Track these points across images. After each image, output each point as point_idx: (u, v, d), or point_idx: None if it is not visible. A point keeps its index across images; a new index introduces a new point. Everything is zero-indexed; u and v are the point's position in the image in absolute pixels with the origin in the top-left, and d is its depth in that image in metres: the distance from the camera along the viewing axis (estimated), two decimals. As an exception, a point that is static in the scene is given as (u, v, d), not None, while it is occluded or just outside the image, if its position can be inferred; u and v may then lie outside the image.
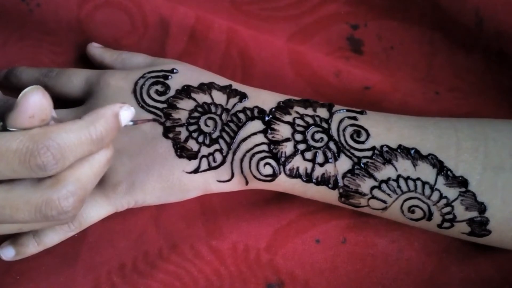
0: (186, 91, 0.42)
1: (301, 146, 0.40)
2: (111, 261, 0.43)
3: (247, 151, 0.40)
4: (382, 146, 0.40)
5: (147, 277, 0.42)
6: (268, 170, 0.40)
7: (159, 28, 0.49)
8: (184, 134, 0.41)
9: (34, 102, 0.30)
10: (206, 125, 0.41)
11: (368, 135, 0.40)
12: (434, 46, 0.48)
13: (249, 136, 0.41)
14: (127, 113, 0.34)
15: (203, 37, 0.49)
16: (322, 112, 0.41)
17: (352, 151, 0.40)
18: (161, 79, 0.43)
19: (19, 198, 0.31)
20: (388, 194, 0.39)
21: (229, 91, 0.42)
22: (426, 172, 0.39)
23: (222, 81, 0.44)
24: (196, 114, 0.41)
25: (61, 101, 0.45)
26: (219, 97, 0.42)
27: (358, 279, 0.43)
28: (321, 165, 0.40)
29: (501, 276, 0.43)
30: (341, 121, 0.41)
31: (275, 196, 0.45)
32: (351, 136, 0.40)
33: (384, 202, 0.39)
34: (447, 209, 0.39)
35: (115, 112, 0.34)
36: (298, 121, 0.41)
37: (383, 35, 0.49)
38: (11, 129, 0.31)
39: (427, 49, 0.49)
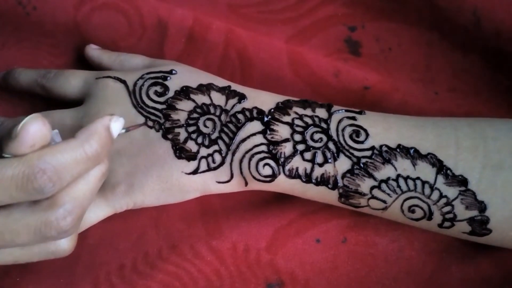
0: (185, 92, 0.42)
1: (300, 147, 0.40)
2: (111, 262, 0.43)
3: (246, 152, 0.40)
4: (381, 146, 0.40)
5: (146, 277, 0.42)
6: (267, 171, 0.40)
7: (157, 29, 0.49)
8: (183, 135, 0.41)
9: (35, 131, 0.30)
10: (205, 126, 0.41)
11: (367, 135, 0.40)
12: (432, 47, 0.49)
13: (248, 137, 0.41)
14: (117, 124, 0.34)
15: (201, 39, 0.48)
16: (321, 113, 0.41)
17: (351, 151, 0.40)
18: (160, 80, 0.43)
19: (18, 222, 0.31)
20: (388, 194, 0.39)
21: (228, 92, 0.42)
22: (425, 171, 0.39)
23: (221, 82, 0.44)
24: (195, 115, 0.41)
25: (58, 102, 0.45)
26: (218, 98, 0.42)
27: (358, 278, 0.43)
28: (321, 165, 0.40)
29: (502, 275, 0.43)
30: (340, 121, 0.41)
31: (275, 196, 0.45)
32: (350, 136, 0.40)
33: (384, 202, 0.39)
34: (447, 208, 0.39)
35: (106, 125, 0.33)
36: (297, 122, 0.41)
37: (381, 36, 0.49)
38: (5, 155, 0.31)
39: (425, 50, 0.49)
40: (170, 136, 0.41)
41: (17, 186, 0.30)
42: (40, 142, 0.31)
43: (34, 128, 0.30)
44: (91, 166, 0.33)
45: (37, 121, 0.31)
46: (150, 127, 0.42)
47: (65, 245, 0.35)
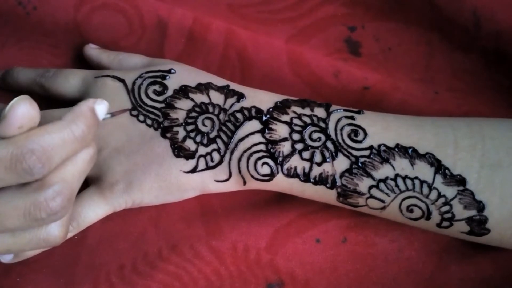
0: (184, 91, 0.42)
1: (299, 146, 0.40)
2: (111, 262, 0.43)
3: (245, 151, 0.40)
4: (379, 145, 0.40)
5: (146, 277, 0.41)
6: (265, 170, 0.40)
7: (156, 29, 0.49)
8: (181, 134, 0.41)
9: (23, 113, 0.30)
10: (204, 125, 0.41)
11: (365, 134, 0.40)
12: (432, 46, 0.49)
13: (246, 136, 0.41)
14: (102, 106, 0.34)
15: (201, 39, 0.49)
16: (320, 112, 0.41)
17: (349, 150, 0.40)
18: (159, 79, 0.43)
19: (7, 205, 0.31)
20: (386, 194, 0.39)
21: (227, 91, 0.42)
22: (424, 170, 0.39)
23: (219, 81, 0.44)
24: (193, 114, 0.42)
25: (57, 101, 0.45)
26: (217, 97, 0.42)
27: (358, 278, 0.43)
28: (319, 164, 0.40)
29: (501, 275, 0.43)
30: (338, 120, 0.41)
31: (275, 196, 0.45)
32: (349, 136, 0.40)
33: (383, 201, 0.39)
34: (446, 208, 0.39)
35: (91, 107, 0.34)
36: (296, 121, 0.41)
37: (381, 36, 0.49)
38: None
39: (425, 50, 0.49)
40: (168, 135, 0.41)
41: (6, 168, 0.30)
42: (28, 124, 0.31)
43: (22, 109, 0.30)
44: (78, 148, 0.33)
45: (25, 102, 0.31)
46: (149, 126, 0.42)
47: (56, 231, 0.34)
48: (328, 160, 0.40)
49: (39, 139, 0.30)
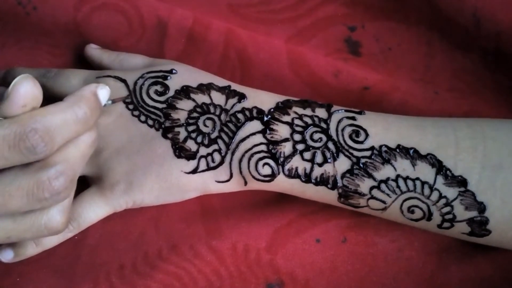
0: (185, 92, 0.42)
1: (300, 146, 0.40)
2: (111, 262, 0.42)
3: (246, 151, 0.40)
4: (381, 146, 0.40)
5: (146, 277, 0.41)
6: (267, 170, 0.40)
7: (157, 29, 0.49)
8: (183, 134, 0.41)
9: (26, 91, 0.31)
10: (205, 126, 0.41)
11: (367, 135, 0.40)
12: (432, 46, 0.49)
13: (247, 136, 0.41)
14: (104, 91, 0.35)
15: (201, 39, 0.49)
16: (321, 112, 0.41)
17: (351, 151, 0.40)
18: (160, 80, 0.43)
19: (10, 184, 0.31)
20: (387, 194, 0.39)
21: (228, 92, 0.42)
22: (425, 171, 0.39)
23: (221, 81, 0.44)
24: (195, 114, 0.41)
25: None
26: (218, 98, 0.42)
27: (358, 278, 0.43)
28: (320, 165, 0.40)
29: (501, 275, 0.43)
30: (339, 121, 0.41)
31: (275, 196, 0.45)
32: (350, 136, 0.40)
33: (384, 202, 0.39)
34: (447, 209, 0.39)
35: (93, 91, 0.34)
36: (297, 121, 0.41)
37: (381, 36, 0.49)
38: None
39: (425, 50, 0.49)
40: (169, 135, 0.41)
41: (10, 146, 0.30)
42: (31, 103, 0.31)
43: (25, 88, 0.31)
44: (81, 130, 0.33)
45: (28, 80, 0.31)
46: (150, 126, 0.42)
47: (57, 216, 0.34)
48: (329, 160, 0.40)
49: (42, 119, 0.31)
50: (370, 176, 0.39)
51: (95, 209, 0.41)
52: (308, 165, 0.40)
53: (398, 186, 0.39)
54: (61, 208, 0.34)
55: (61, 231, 0.35)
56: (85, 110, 0.33)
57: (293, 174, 0.40)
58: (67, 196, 0.33)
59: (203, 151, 0.41)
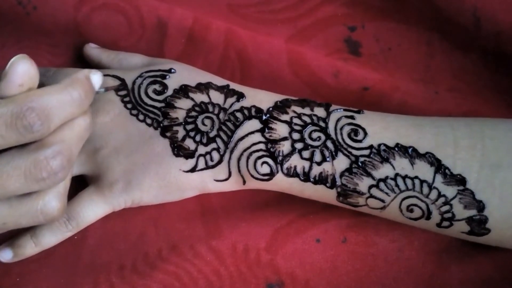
0: (184, 91, 0.42)
1: (299, 145, 0.40)
2: (111, 262, 0.42)
3: (245, 150, 0.40)
4: (379, 145, 0.40)
5: (146, 277, 0.41)
6: (265, 169, 0.40)
7: (156, 29, 0.49)
8: (181, 133, 0.41)
9: (23, 70, 0.31)
10: (204, 124, 0.41)
11: (365, 134, 0.40)
12: (432, 47, 0.49)
13: (246, 135, 0.41)
14: (96, 76, 0.36)
15: (201, 39, 0.49)
16: (320, 111, 0.41)
17: (349, 150, 0.40)
18: (159, 79, 0.43)
19: (8, 165, 0.31)
20: (386, 193, 0.39)
21: (227, 91, 0.43)
22: (423, 170, 0.39)
23: (219, 81, 0.44)
24: (193, 113, 0.42)
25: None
26: (217, 97, 0.42)
27: (358, 278, 0.43)
28: (319, 164, 0.40)
29: (501, 275, 0.43)
30: (338, 120, 0.41)
31: (275, 196, 0.45)
32: (349, 135, 0.40)
33: (382, 201, 0.39)
34: (446, 207, 0.38)
35: (87, 75, 0.35)
36: (296, 120, 0.41)
37: (381, 36, 0.49)
38: None
39: (425, 50, 0.49)
40: (168, 134, 0.41)
41: (7, 125, 0.30)
42: (28, 83, 0.32)
43: (23, 67, 0.31)
44: (76, 112, 0.34)
45: (25, 60, 0.32)
46: (149, 125, 0.42)
47: (53, 202, 0.34)
48: (328, 159, 0.40)
49: (39, 99, 0.31)
50: (369, 175, 0.39)
51: (94, 208, 0.41)
52: (306, 164, 0.40)
53: (397, 185, 0.39)
54: (57, 193, 0.34)
55: (57, 218, 0.35)
56: (79, 92, 0.34)
57: (291, 173, 0.40)
58: (64, 177, 0.33)
59: (201, 149, 0.41)
